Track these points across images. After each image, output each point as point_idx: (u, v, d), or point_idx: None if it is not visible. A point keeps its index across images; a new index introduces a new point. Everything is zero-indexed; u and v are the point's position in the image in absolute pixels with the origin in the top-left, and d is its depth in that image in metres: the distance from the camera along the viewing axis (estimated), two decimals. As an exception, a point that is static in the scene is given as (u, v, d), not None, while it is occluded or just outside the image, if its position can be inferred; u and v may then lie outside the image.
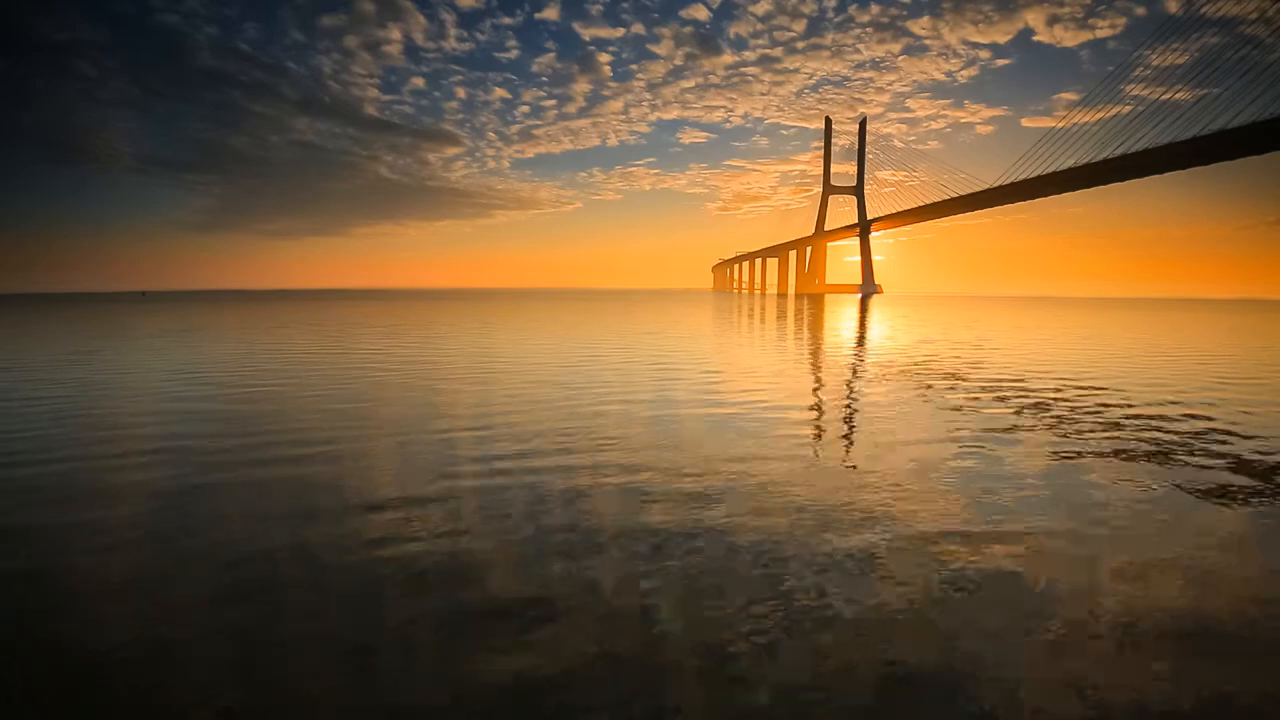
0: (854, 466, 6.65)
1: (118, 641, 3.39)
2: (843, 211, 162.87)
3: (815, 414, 9.58)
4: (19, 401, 10.83)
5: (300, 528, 4.99)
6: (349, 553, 4.51)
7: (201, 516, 5.27)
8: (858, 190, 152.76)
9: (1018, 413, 9.67)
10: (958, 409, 9.88)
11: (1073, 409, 10.03)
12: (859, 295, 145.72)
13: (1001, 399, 10.91)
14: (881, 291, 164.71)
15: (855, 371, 14.58)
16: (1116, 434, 8.20)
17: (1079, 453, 7.24)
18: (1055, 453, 7.25)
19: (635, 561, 4.31)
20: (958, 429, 8.47)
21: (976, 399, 10.88)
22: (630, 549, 4.50)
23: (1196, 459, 7.00)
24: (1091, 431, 8.36)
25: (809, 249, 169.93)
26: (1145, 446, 7.53)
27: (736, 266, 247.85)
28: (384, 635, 3.43)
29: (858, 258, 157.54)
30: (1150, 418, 9.29)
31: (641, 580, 4.05)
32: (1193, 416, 9.40)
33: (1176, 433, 8.33)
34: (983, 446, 7.52)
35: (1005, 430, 8.39)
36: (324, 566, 4.26)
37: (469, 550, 4.48)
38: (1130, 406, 10.30)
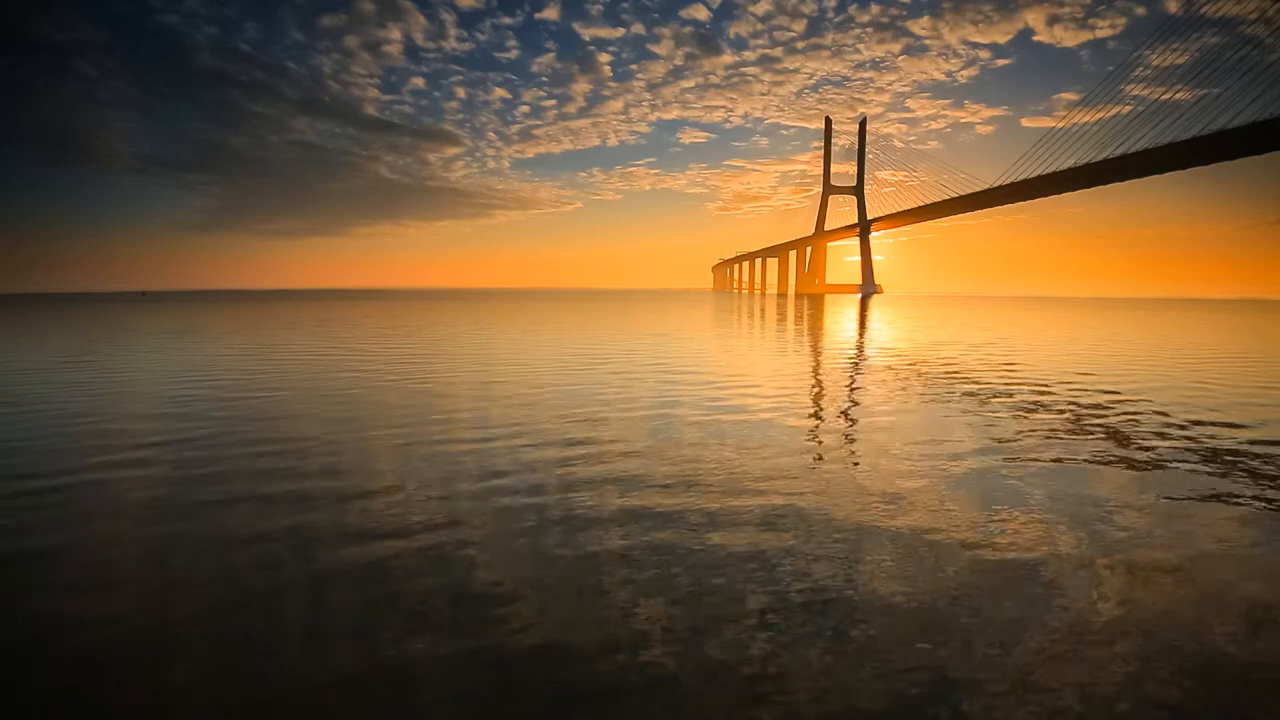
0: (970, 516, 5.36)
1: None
2: (843, 211, 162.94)
3: (871, 434, 8.48)
4: (11, 412, 10.83)
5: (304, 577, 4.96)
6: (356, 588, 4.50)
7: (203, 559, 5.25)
8: (858, 190, 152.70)
9: (1082, 432, 8.56)
10: (1031, 436, 8.27)
11: (1144, 429, 8.80)
12: (859, 295, 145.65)
13: (1058, 416, 9.77)
14: (881, 291, 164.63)
15: (891, 380, 13.41)
16: (1216, 466, 6.98)
17: (1193, 496, 5.92)
18: (1155, 489, 6.12)
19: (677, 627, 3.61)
20: (1034, 455, 7.32)
21: (1041, 417, 9.60)
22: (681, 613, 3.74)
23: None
24: (1186, 463, 7.07)
25: (809, 249, 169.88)
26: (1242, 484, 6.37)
27: (736, 266, 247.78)
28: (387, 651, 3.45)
29: (858, 258, 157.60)
30: (1231, 442, 8.13)
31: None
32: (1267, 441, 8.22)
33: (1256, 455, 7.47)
34: (1071, 479, 6.40)
35: (1085, 460, 7.12)
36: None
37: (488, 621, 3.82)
38: (1210, 426, 9.12)
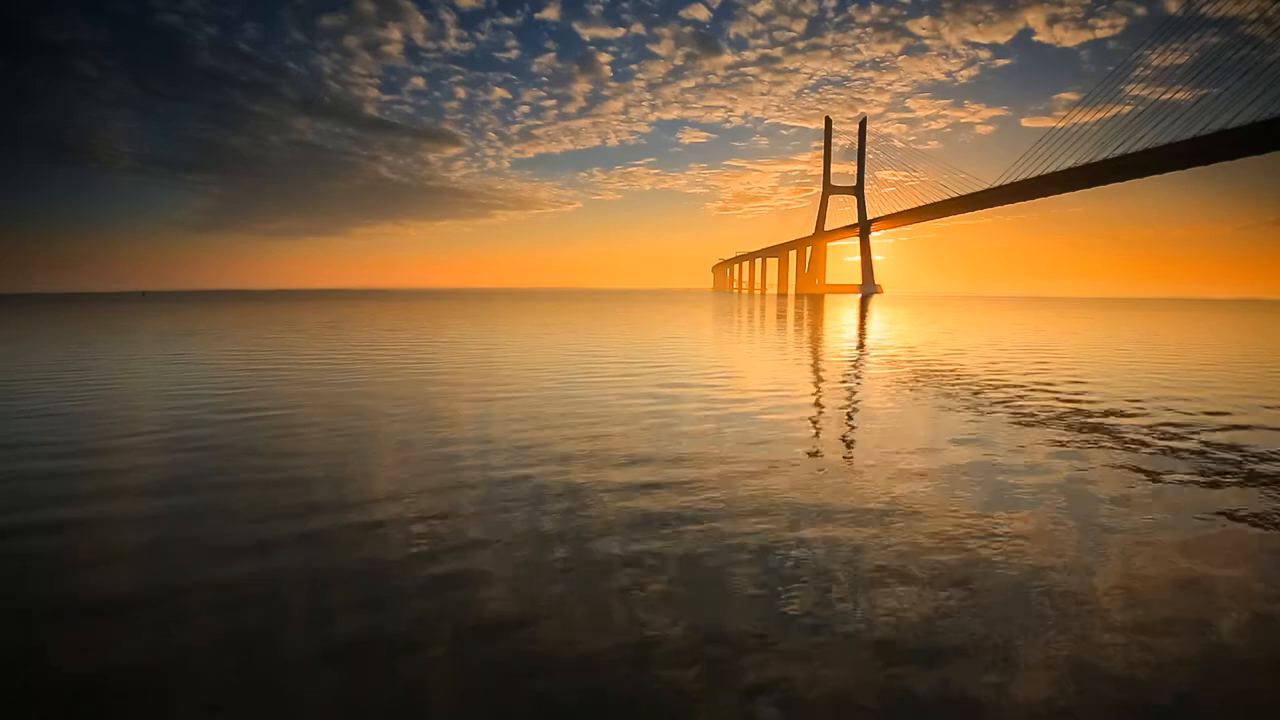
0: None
1: None
2: (843, 211, 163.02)
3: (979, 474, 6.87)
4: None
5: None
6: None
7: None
8: (858, 190, 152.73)
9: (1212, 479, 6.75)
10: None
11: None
12: (859, 295, 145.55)
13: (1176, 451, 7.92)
14: (881, 291, 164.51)
15: (949, 393, 12.34)
16: None
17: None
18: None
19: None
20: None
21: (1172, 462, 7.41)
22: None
23: None
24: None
25: (809, 249, 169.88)
26: None
27: (736, 266, 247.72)
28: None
29: (858, 258, 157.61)
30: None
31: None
32: None
33: None
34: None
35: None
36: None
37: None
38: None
